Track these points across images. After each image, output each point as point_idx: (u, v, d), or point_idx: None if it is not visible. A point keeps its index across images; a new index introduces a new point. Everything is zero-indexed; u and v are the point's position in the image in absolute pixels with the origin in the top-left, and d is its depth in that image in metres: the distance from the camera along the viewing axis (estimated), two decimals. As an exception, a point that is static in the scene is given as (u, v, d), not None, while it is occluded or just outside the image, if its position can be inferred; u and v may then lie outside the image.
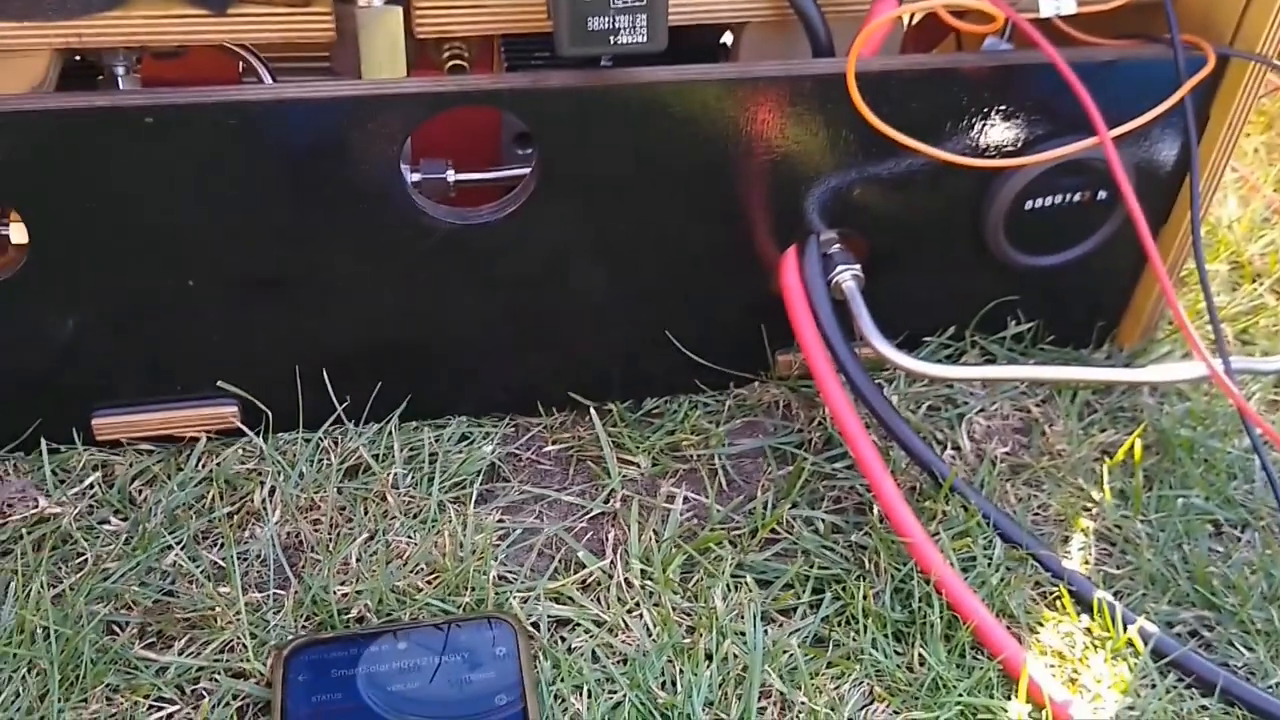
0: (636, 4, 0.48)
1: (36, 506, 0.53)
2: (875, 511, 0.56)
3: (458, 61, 0.58)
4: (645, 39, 0.50)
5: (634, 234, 0.57)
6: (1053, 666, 0.52)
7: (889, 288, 0.60)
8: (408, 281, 0.56)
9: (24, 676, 0.48)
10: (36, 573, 0.51)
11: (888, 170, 0.58)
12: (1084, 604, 0.54)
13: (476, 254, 0.56)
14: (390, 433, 0.59)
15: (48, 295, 0.53)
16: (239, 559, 0.53)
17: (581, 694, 0.49)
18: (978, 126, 0.58)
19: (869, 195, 0.59)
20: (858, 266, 0.59)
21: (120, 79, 0.56)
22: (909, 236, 0.61)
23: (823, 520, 0.57)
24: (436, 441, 0.60)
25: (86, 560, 0.52)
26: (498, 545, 0.55)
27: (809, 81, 0.54)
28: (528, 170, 0.57)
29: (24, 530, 0.53)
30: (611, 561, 0.55)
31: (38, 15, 0.49)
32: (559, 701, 0.49)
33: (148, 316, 0.55)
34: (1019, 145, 0.59)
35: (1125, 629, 0.53)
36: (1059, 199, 0.61)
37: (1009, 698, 0.50)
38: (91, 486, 0.56)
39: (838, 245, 0.60)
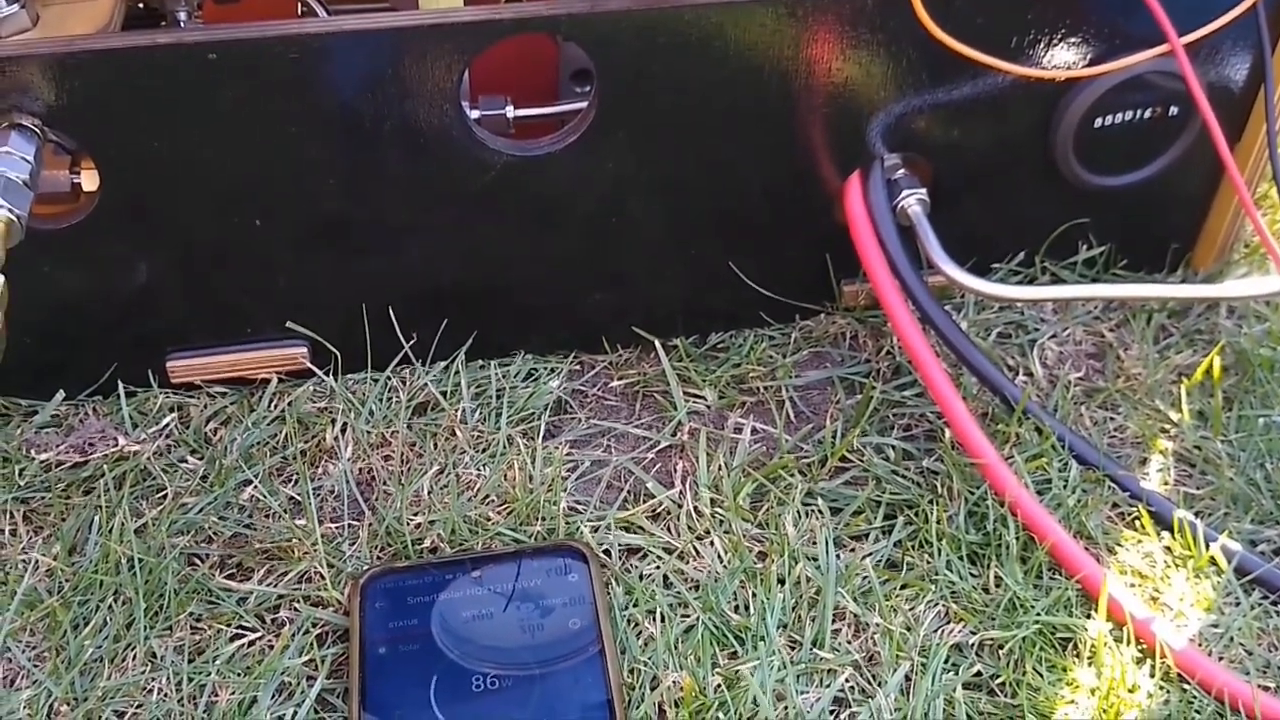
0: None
1: (116, 445, 0.54)
2: (946, 437, 0.55)
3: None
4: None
5: (694, 165, 0.57)
6: (1133, 585, 0.51)
7: (954, 214, 0.59)
8: (468, 220, 0.56)
9: (110, 605, 0.49)
10: (119, 507, 0.52)
11: (953, 91, 0.57)
12: (1164, 524, 0.53)
13: (536, 189, 0.56)
14: (457, 370, 0.60)
15: (118, 240, 0.54)
16: (314, 494, 0.54)
17: (655, 618, 0.49)
18: (1044, 43, 0.56)
19: (933, 119, 0.58)
20: (923, 191, 0.58)
21: (182, 24, 0.56)
22: (975, 160, 0.60)
23: (893, 447, 0.57)
24: (503, 378, 0.60)
25: (166, 495, 0.53)
26: (567, 477, 0.56)
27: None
28: (587, 104, 0.57)
29: (105, 468, 0.54)
30: (680, 491, 0.55)
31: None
32: (633, 626, 0.49)
33: (216, 260, 0.56)
34: (1087, 63, 0.57)
35: (1207, 547, 0.52)
36: (1129, 115, 0.60)
37: (1089, 616, 0.49)
38: (168, 427, 0.57)
39: (902, 170, 0.59)
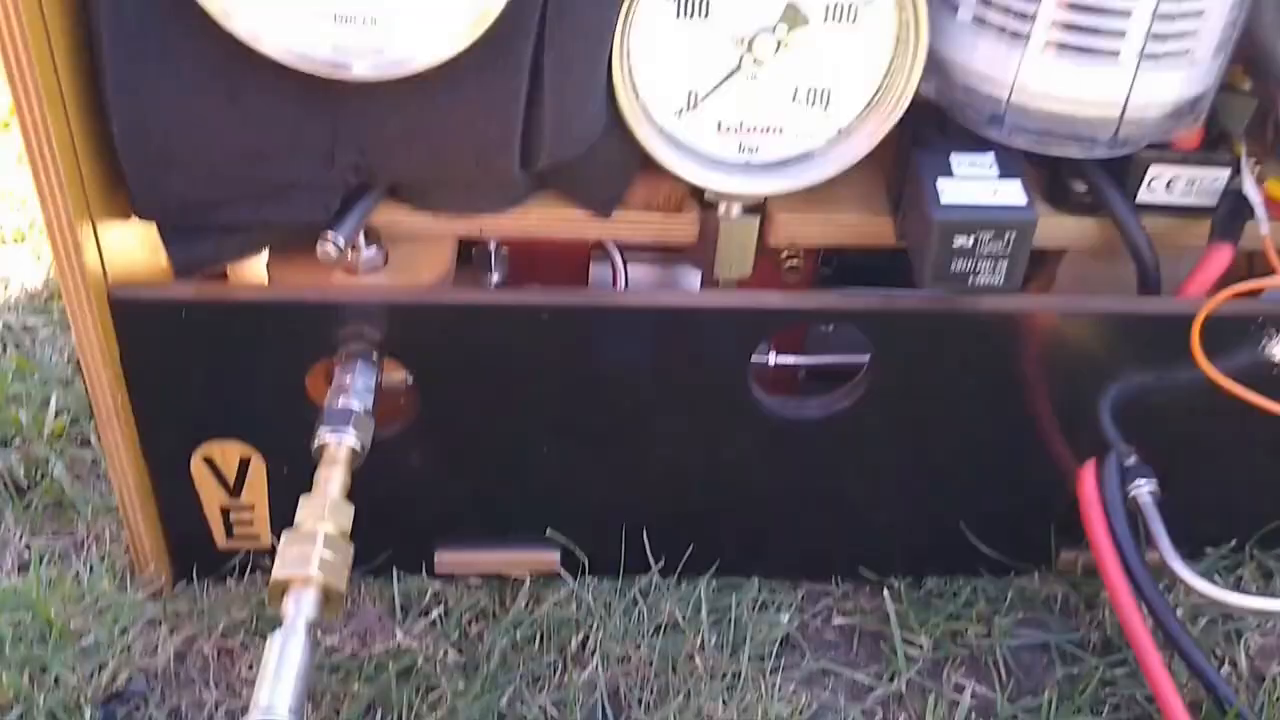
0: (1002, 253, 0.52)
1: (395, 639, 0.59)
2: (1160, 729, 0.58)
3: (794, 262, 0.63)
4: (1000, 281, 0.53)
5: (944, 437, 0.61)
6: None
7: (1176, 498, 0.62)
8: (727, 457, 0.61)
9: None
10: (401, 705, 0.56)
11: (1203, 401, 0.60)
12: None
13: (797, 442, 0.60)
14: (699, 593, 0.63)
15: (427, 448, 0.59)
16: (567, 705, 0.58)
17: None
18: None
19: (1173, 417, 0.61)
20: (1155, 482, 0.61)
21: (493, 255, 0.62)
22: (1208, 458, 0.63)
23: (1105, 729, 0.60)
24: (737, 606, 0.64)
25: (440, 695, 0.58)
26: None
27: (1150, 321, 0.57)
28: (838, 358, 0.61)
29: (388, 661, 0.58)
30: (904, 748, 0.58)
31: (470, 209, 0.56)
32: None
33: (498, 470, 0.61)
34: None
35: None
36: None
37: None
38: (435, 618, 0.61)
39: (1134, 458, 0.62)
